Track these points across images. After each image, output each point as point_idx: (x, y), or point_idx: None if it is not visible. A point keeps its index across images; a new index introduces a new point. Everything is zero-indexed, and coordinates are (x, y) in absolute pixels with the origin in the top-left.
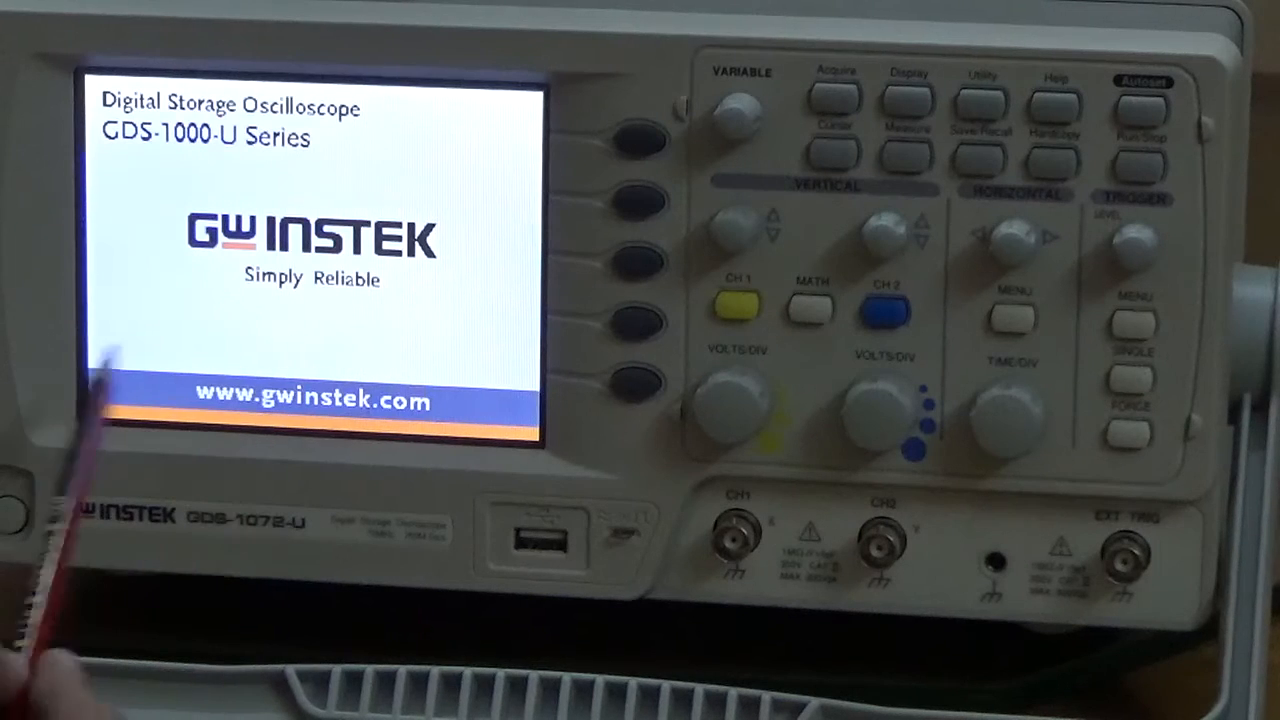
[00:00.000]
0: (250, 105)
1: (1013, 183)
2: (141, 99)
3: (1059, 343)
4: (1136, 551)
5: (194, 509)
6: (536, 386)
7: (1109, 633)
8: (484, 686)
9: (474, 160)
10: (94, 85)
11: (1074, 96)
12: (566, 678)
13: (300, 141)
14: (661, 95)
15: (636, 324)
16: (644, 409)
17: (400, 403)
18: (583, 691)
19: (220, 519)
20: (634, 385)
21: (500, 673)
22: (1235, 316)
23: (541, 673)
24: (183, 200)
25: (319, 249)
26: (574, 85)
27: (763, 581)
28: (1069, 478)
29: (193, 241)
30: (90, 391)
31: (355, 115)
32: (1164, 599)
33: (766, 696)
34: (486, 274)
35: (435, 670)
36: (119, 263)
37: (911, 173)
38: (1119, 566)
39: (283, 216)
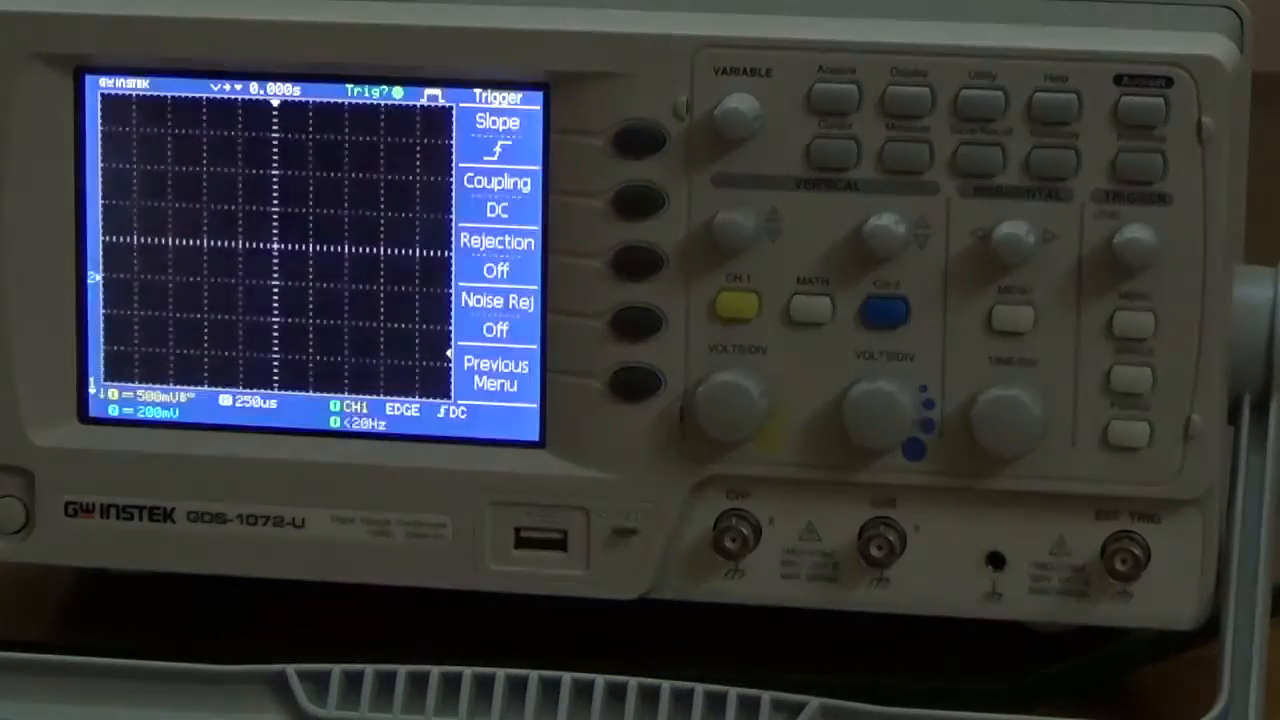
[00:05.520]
0: (250, 105)
1: (1013, 183)
2: (141, 99)
3: (1059, 343)
4: (1136, 551)
5: (194, 509)
6: (536, 386)
7: (1109, 633)
8: (484, 686)
9: (473, 160)
10: (94, 85)
11: (1074, 96)
12: (566, 678)
13: (300, 141)
14: (661, 95)
15: (636, 324)
16: (644, 409)
17: (400, 403)
18: (583, 691)
19: (220, 519)
20: (634, 385)
21: (500, 673)
22: (1235, 316)
23: (541, 673)
24: (184, 199)
25: (320, 247)
26: (574, 85)
27: (763, 581)
28: (1069, 478)
29: (194, 241)
30: None
31: (355, 114)
32: (1164, 599)
33: (766, 696)
34: (486, 273)
35: (435, 670)
36: (120, 262)
37: (911, 173)
38: (1119, 566)
39: (284, 214)
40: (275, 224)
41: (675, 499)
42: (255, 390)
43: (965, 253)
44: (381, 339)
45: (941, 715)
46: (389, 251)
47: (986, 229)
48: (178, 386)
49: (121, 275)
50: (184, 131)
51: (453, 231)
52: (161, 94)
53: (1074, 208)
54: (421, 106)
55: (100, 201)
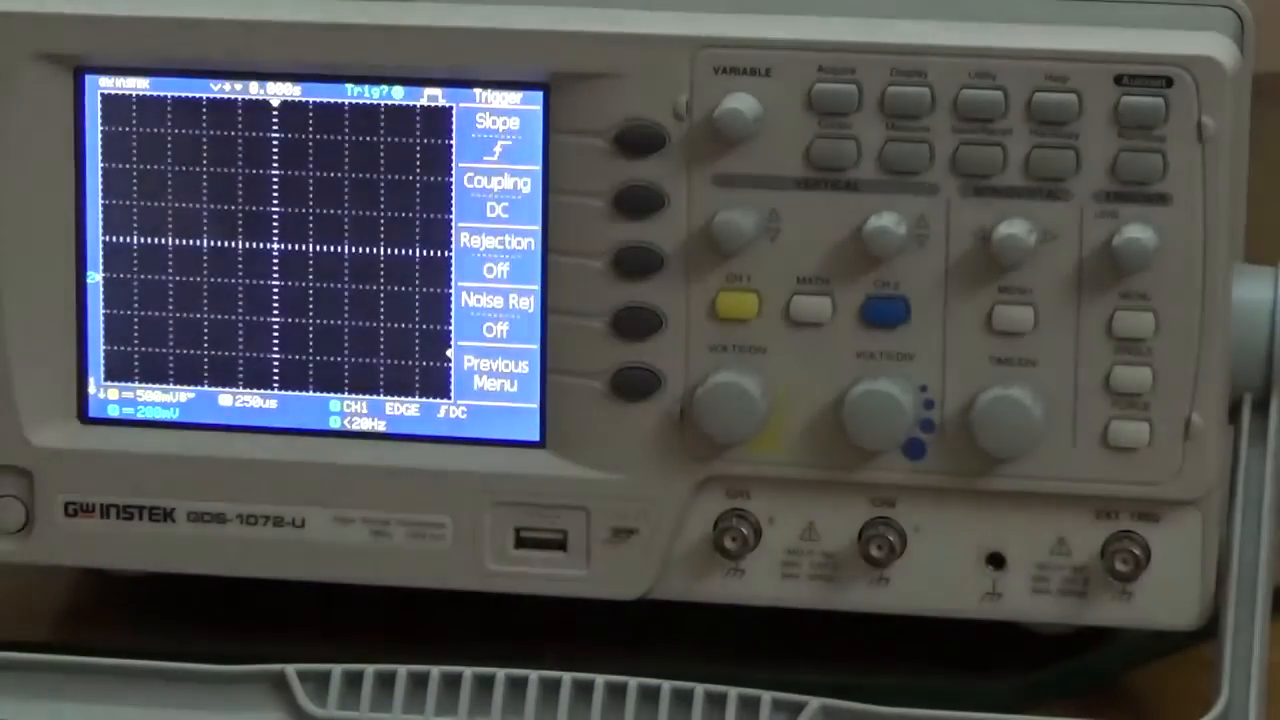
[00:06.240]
0: (250, 105)
1: (1013, 183)
2: (141, 99)
3: (1059, 343)
4: (1136, 551)
5: (194, 509)
6: (536, 386)
7: (1109, 633)
8: (484, 686)
9: (473, 160)
10: (94, 85)
11: (1074, 96)
12: (566, 678)
13: (300, 141)
14: (661, 95)
15: (636, 324)
16: (644, 409)
17: (400, 403)
18: (583, 691)
19: (220, 519)
20: (634, 385)
21: (500, 673)
22: (1235, 316)
23: (541, 673)
24: (184, 199)
25: (320, 247)
26: (574, 85)
27: (763, 581)
28: (1069, 478)
29: (194, 241)
30: None
31: (355, 114)
32: (1164, 599)
33: (766, 696)
34: (486, 273)
35: (435, 670)
36: (120, 262)
37: (911, 173)
38: (1119, 566)
39: (284, 214)
40: (275, 224)
41: (675, 499)
42: (255, 390)
43: (965, 253)
44: (381, 339)
45: (941, 715)
46: (389, 251)
47: (986, 229)
48: (178, 386)
49: (121, 275)
50: (184, 131)
51: (453, 231)
52: (161, 94)
53: (1074, 208)
54: (421, 106)
55: (100, 201)
